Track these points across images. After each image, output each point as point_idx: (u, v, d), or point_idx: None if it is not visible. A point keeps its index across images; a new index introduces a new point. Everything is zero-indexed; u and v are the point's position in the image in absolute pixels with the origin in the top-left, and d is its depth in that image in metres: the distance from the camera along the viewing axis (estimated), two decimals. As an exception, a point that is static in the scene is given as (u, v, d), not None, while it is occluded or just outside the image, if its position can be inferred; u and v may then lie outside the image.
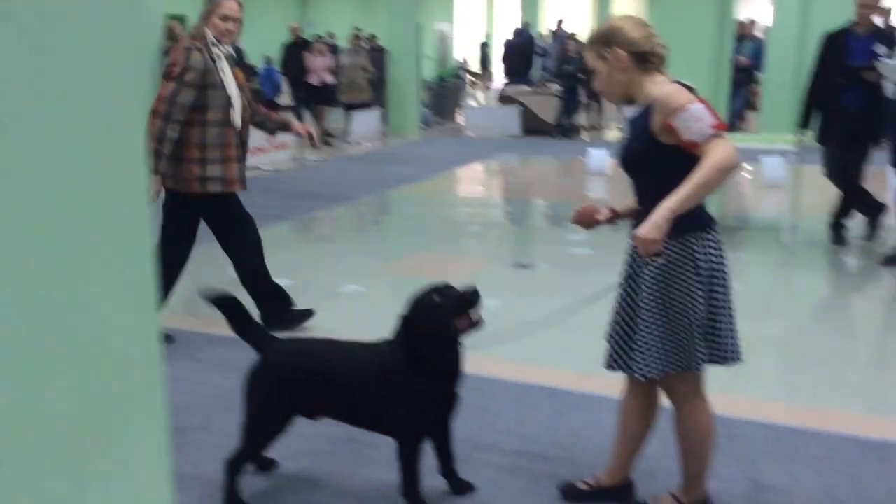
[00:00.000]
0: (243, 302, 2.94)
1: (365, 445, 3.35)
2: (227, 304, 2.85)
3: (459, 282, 2.85)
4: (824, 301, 5.41)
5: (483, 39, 26.62)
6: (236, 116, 4.30)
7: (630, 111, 2.69)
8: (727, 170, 2.37)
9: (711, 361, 2.62)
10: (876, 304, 5.17)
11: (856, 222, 6.72)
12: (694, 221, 2.51)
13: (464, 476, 3.10)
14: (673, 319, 2.54)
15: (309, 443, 3.37)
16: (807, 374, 4.14)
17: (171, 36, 9.68)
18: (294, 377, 2.80)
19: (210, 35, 4.25)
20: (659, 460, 3.21)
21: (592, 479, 2.99)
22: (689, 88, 2.50)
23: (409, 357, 2.73)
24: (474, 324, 2.73)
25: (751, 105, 14.72)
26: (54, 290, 1.44)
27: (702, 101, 2.43)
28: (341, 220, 8.14)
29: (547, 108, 14.00)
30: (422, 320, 2.72)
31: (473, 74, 26.09)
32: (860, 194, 6.40)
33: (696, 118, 2.37)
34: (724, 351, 2.60)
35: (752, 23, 14.84)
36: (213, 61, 4.21)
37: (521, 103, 14.28)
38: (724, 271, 2.57)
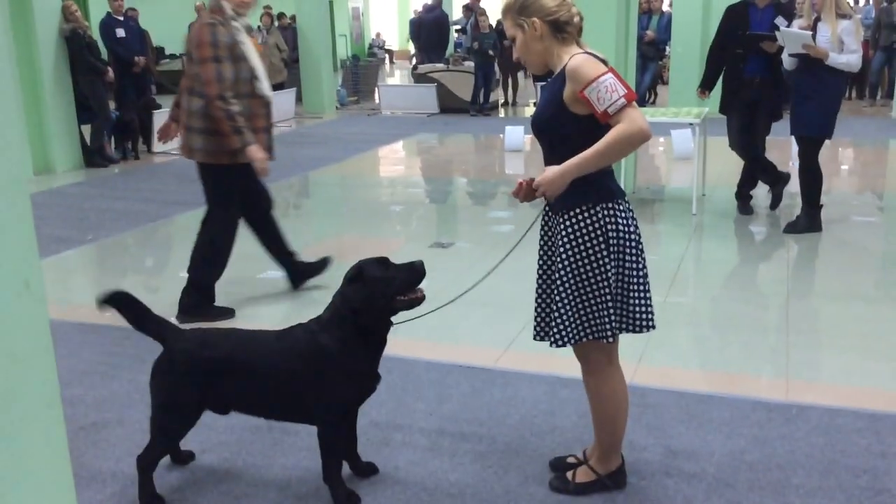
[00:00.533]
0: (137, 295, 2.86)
1: (284, 433, 3.32)
2: (119, 301, 2.76)
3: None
4: (732, 269, 5.59)
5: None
6: (263, 87, 4.39)
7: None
8: (635, 140, 2.45)
9: (625, 330, 2.68)
10: (781, 270, 5.36)
11: (760, 191, 6.95)
12: (602, 193, 2.58)
13: (385, 458, 3.11)
14: (585, 289, 2.59)
15: (227, 433, 3.32)
16: (716, 341, 4.28)
17: (69, 17, 9.29)
18: (202, 369, 2.73)
19: (228, 9, 4.31)
20: (575, 431, 3.28)
21: (581, 452, 3.03)
22: (602, 60, 2.55)
23: (344, 333, 2.68)
24: (418, 299, 2.72)
25: (661, 79, 15.04)
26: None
27: (613, 71, 2.47)
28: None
29: (463, 85, 14.00)
30: (370, 293, 2.66)
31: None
32: (763, 164, 6.61)
33: (608, 89, 2.42)
34: (637, 320, 2.66)
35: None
36: (235, 34, 4.29)
37: (437, 81, 14.23)
38: (635, 241, 2.63)
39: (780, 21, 6.21)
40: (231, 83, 4.25)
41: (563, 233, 2.61)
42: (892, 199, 7.25)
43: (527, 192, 2.62)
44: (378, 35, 26.41)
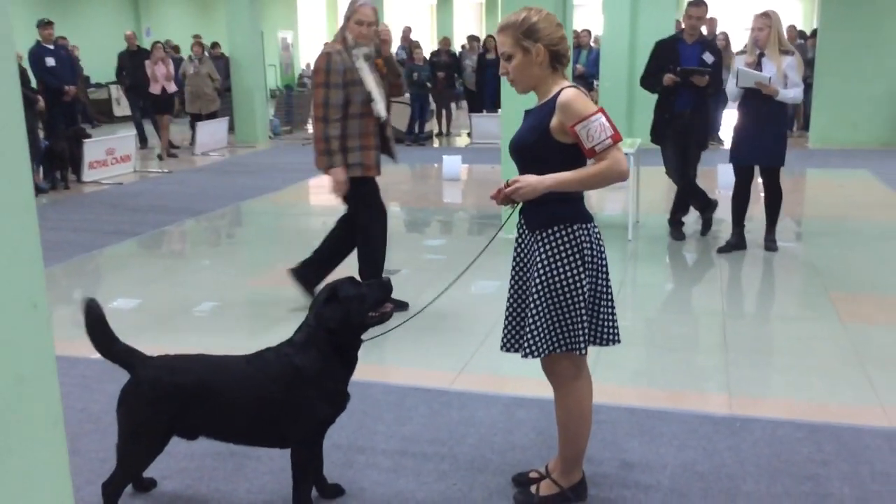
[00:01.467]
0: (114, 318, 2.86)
1: (246, 458, 3.33)
2: (92, 322, 2.75)
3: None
4: (670, 292, 5.81)
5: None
6: (379, 108, 4.82)
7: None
8: (614, 179, 2.66)
9: (594, 343, 2.82)
10: (715, 293, 5.60)
11: (690, 218, 7.25)
12: (578, 214, 2.76)
13: (350, 480, 3.15)
14: (560, 303, 2.71)
15: (187, 460, 3.31)
16: (661, 360, 4.45)
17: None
18: (172, 396, 2.73)
19: (350, 38, 4.77)
20: (533, 449, 3.38)
21: (543, 467, 3.13)
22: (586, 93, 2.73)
23: (321, 354, 2.73)
24: (388, 314, 2.81)
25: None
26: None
27: (603, 112, 2.63)
28: (194, 234, 7.92)
29: (399, 116, 14.12)
30: (346, 312, 2.73)
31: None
32: (695, 191, 6.92)
33: (598, 129, 2.59)
34: (605, 334, 2.82)
35: (588, 33, 15.62)
36: (353, 61, 4.74)
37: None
38: (604, 261, 2.80)
39: (707, 57, 6.55)
40: (338, 108, 4.72)
41: (541, 249, 2.74)
42: (810, 224, 7.64)
43: (505, 196, 2.76)
44: (308, 66, 26.37)
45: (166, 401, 2.72)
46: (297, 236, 7.57)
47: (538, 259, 2.75)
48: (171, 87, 13.34)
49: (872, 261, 6.28)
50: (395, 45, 18.83)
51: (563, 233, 2.73)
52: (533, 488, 2.98)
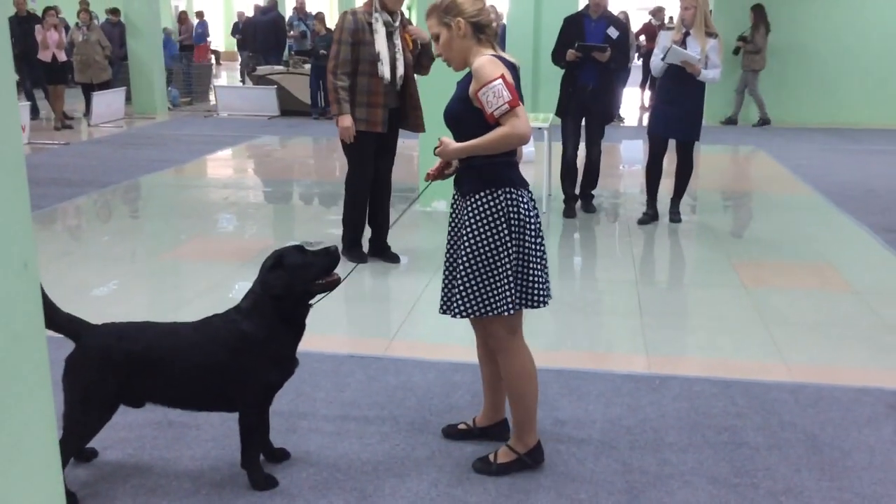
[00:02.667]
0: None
1: (186, 427, 3.34)
2: None
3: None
4: (584, 261, 6.05)
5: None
6: (383, 69, 5.13)
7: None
8: (513, 142, 2.83)
9: (523, 305, 2.93)
10: (627, 261, 5.86)
11: (601, 191, 7.52)
12: (504, 180, 2.87)
13: (294, 444, 3.21)
14: (486, 266, 2.83)
15: (126, 430, 3.30)
16: (580, 324, 4.66)
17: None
18: (120, 363, 2.72)
19: (377, 2, 5.16)
20: (470, 409, 3.50)
21: (470, 420, 3.29)
22: (511, 64, 2.84)
23: (267, 320, 2.76)
24: (335, 282, 2.85)
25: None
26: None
27: (504, 78, 2.73)
28: (100, 207, 7.69)
29: (304, 88, 13.98)
30: (290, 280, 2.77)
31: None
32: (594, 169, 7.17)
33: (495, 94, 2.72)
34: (534, 296, 2.92)
35: (493, 9, 15.77)
36: (369, 24, 5.13)
37: (276, 84, 14.13)
38: (534, 226, 2.90)
39: (611, 32, 6.74)
40: (346, 63, 5.13)
41: (469, 214, 2.86)
42: (710, 197, 8.05)
43: (438, 168, 3.03)
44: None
45: (115, 368, 2.71)
46: (205, 209, 7.45)
47: (466, 223, 2.87)
48: (62, 56, 12.77)
49: (769, 230, 6.70)
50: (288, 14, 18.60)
51: (490, 197, 2.84)
52: (491, 456, 3.07)
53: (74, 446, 2.78)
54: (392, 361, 4.02)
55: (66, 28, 14.79)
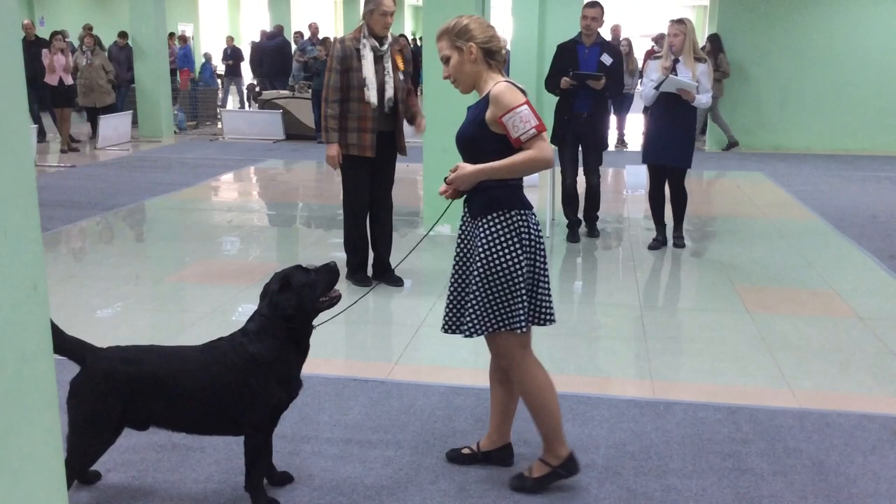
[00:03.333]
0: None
1: (189, 449, 3.33)
2: None
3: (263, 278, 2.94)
4: (589, 286, 6.06)
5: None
6: (371, 95, 5.21)
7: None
8: (539, 166, 2.87)
9: (532, 322, 2.99)
10: (632, 286, 5.86)
11: (605, 215, 7.54)
12: (516, 201, 2.92)
13: (297, 467, 3.20)
14: (500, 284, 2.86)
15: (130, 452, 3.29)
16: (586, 349, 4.66)
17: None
18: (125, 386, 2.73)
19: (365, 29, 5.26)
20: (474, 433, 3.50)
21: (474, 444, 3.28)
22: (521, 90, 2.89)
23: (276, 342, 2.78)
24: (337, 297, 2.89)
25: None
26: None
27: (528, 104, 2.82)
28: (106, 229, 7.72)
29: (308, 112, 14.06)
30: (299, 299, 2.79)
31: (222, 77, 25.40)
32: (594, 197, 7.18)
33: (522, 119, 2.79)
34: (543, 313, 2.99)
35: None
36: (358, 50, 5.21)
37: (282, 108, 14.22)
38: (542, 246, 2.96)
39: (605, 58, 6.77)
40: (336, 90, 5.23)
41: (483, 234, 2.89)
42: (713, 223, 8.06)
43: (454, 189, 2.97)
44: (209, 59, 25.88)
45: (120, 392, 2.72)
46: (210, 232, 7.48)
47: (479, 243, 2.90)
48: (69, 80, 12.88)
49: (773, 255, 6.70)
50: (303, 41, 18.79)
51: (502, 218, 2.88)
52: (526, 471, 3.10)
53: (78, 468, 2.78)
54: (395, 385, 4.01)
55: (73, 52, 14.93)
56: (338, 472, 3.19)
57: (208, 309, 5.19)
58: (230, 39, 19.56)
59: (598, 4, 6.80)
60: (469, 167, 2.91)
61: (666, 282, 6.25)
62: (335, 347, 4.50)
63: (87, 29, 13.76)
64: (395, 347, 4.55)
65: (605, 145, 7.12)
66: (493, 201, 2.89)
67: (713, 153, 13.10)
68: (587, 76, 6.61)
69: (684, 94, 6.29)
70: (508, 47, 15.04)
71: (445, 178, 3.00)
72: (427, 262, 6.38)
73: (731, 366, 4.36)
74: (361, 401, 3.84)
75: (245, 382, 2.75)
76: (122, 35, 15.09)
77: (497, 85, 2.86)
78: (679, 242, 6.88)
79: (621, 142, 13.63)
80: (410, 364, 4.32)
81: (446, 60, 2.95)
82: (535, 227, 2.94)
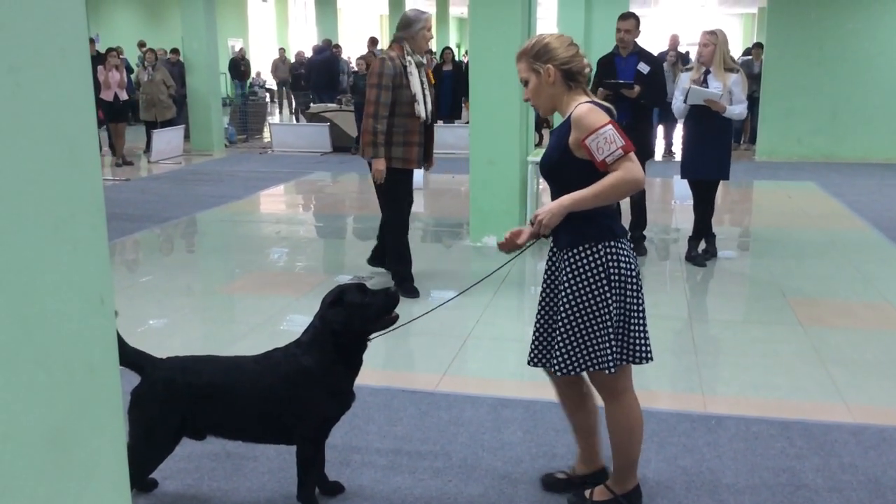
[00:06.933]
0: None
1: (243, 458, 3.39)
2: None
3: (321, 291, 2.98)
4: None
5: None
6: (420, 109, 5.41)
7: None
8: (629, 188, 2.68)
9: (626, 361, 2.84)
10: (681, 299, 5.80)
11: (652, 226, 7.47)
12: (604, 232, 2.77)
13: (348, 478, 3.24)
14: (587, 322, 2.75)
15: (185, 461, 3.36)
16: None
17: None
18: (185, 396, 2.80)
19: (407, 46, 5.42)
20: (522, 447, 3.50)
21: (569, 468, 3.21)
22: (607, 109, 2.75)
23: (325, 355, 2.81)
24: (392, 319, 2.91)
25: (546, 123, 15.77)
26: (23, 301, 1.46)
27: (613, 124, 2.66)
28: (160, 241, 7.89)
29: (353, 125, 14.20)
30: (348, 317, 2.83)
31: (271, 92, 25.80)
32: (640, 209, 7.12)
33: (607, 140, 2.63)
34: (637, 351, 2.82)
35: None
36: (404, 67, 5.36)
37: (329, 121, 14.39)
38: (635, 278, 2.79)
39: (642, 67, 6.70)
40: (386, 106, 5.32)
41: (567, 269, 2.78)
42: (764, 233, 7.95)
43: (531, 233, 2.83)
44: (258, 74, 26.30)
45: (179, 401, 2.78)
46: (259, 244, 7.60)
47: (564, 278, 2.78)
48: (123, 95, 13.21)
49: (826, 267, 6.58)
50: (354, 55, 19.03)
51: (588, 252, 2.74)
52: (587, 493, 3.05)
53: (137, 477, 2.84)
54: (443, 396, 4.03)
55: (127, 68, 15.30)
56: (388, 483, 3.22)
57: (259, 320, 5.27)
58: (300, 54, 19.91)
59: (632, 16, 6.77)
60: (552, 205, 2.72)
61: (715, 293, 6.18)
62: (385, 358, 4.54)
63: (141, 45, 14.08)
64: (443, 359, 4.57)
65: (649, 155, 7.05)
66: (580, 234, 2.74)
67: (763, 162, 12.92)
68: (620, 85, 6.57)
69: (712, 105, 6.19)
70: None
71: (536, 228, 2.79)
72: (475, 274, 6.39)
73: (783, 380, 4.29)
74: (410, 412, 3.87)
75: (295, 393, 2.80)
76: (175, 51, 15.42)
77: (579, 107, 2.71)
78: (693, 257, 6.67)
79: (669, 152, 13.51)
80: (458, 375, 4.34)
81: (525, 83, 2.81)
82: (626, 258, 2.76)
